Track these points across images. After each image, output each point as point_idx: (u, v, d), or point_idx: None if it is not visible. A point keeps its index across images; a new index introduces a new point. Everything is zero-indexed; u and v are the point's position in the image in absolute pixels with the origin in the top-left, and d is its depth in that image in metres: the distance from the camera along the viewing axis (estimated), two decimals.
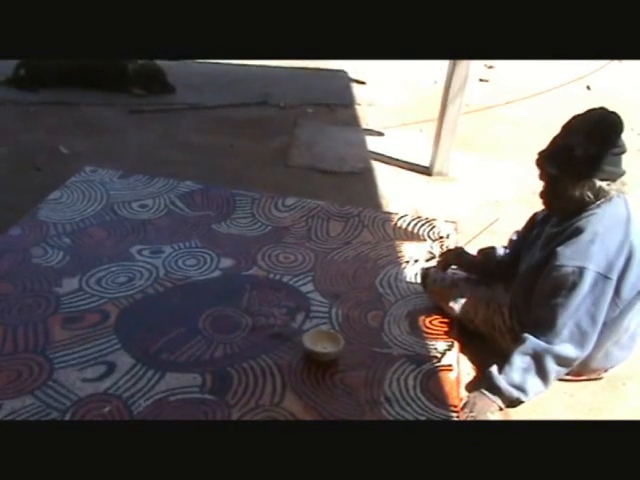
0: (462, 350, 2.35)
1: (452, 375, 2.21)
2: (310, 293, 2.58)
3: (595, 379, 2.26)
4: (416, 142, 4.11)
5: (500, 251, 2.52)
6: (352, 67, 5.42)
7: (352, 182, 3.59)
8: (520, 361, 2.08)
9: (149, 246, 2.80)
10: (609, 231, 2.03)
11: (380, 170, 3.75)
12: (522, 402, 2.10)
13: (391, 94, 5.01)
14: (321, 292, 2.59)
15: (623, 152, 2.03)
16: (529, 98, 5.09)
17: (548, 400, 2.15)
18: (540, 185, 2.16)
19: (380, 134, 4.23)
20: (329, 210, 3.21)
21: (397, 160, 3.85)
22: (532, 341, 2.08)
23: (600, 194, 2.04)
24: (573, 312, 2.03)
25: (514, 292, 2.30)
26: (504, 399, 2.08)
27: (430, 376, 2.20)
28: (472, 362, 2.31)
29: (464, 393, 2.15)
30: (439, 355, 2.30)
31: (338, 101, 4.74)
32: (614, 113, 2.03)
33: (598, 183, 2.02)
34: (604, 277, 2.01)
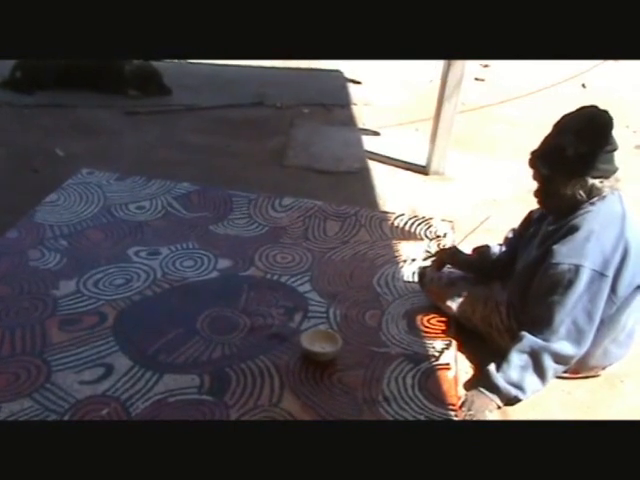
0: (460, 349, 2.35)
1: (450, 374, 2.21)
2: (308, 293, 2.59)
3: (593, 377, 2.27)
4: (412, 141, 4.12)
5: (495, 249, 2.53)
6: (348, 67, 5.43)
7: (349, 182, 3.59)
8: (518, 359, 2.08)
9: (146, 248, 2.80)
10: (604, 228, 2.04)
11: (377, 170, 3.75)
12: (520, 400, 2.10)
13: (387, 94, 5.02)
14: (319, 292, 2.59)
15: (615, 149, 2.04)
16: (525, 97, 5.10)
17: (546, 398, 2.16)
18: (535, 184, 2.16)
19: (376, 134, 4.24)
20: (326, 210, 3.21)
21: (394, 159, 3.85)
22: (529, 339, 2.08)
23: (593, 192, 2.05)
24: (570, 310, 2.04)
25: (511, 290, 2.31)
26: (502, 397, 2.09)
27: (428, 375, 2.20)
28: (470, 360, 2.32)
29: (462, 392, 2.16)
30: (437, 354, 2.30)
31: (334, 101, 4.75)
32: (604, 111, 2.04)
33: (590, 181, 2.03)
34: (600, 274, 2.02)
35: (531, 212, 2.46)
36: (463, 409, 2.07)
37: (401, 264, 2.82)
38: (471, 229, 3.09)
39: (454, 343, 2.36)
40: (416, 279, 2.63)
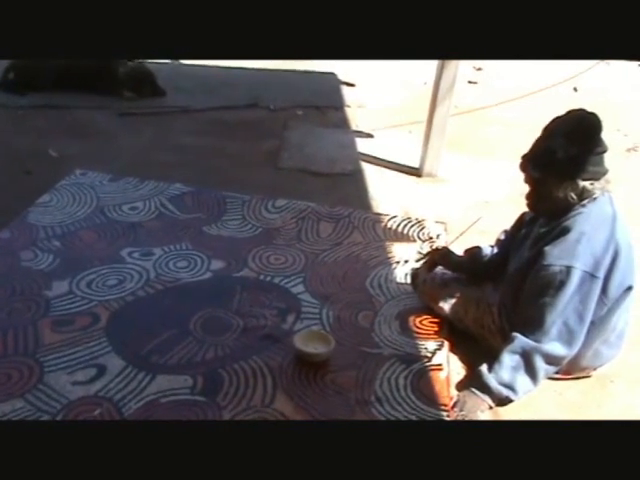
0: (452, 349, 2.36)
1: (442, 374, 2.22)
2: (301, 294, 2.59)
3: (584, 377, 2.28)
4: (406, 143, 4.13)
5: (486, 250, 2.54)
6: (341, 69, 5.44)
7: (342, 184, 3.60)
8: (509, 360, 2.09)
9: (140, 248, 2.80)
10: (595, 230, 2.05)
11: (370, 171, 3.76)
12: (512, 401, 2.11)
13: (380, 96, 5.03)
14: (312, 293, 2.60)
15: (604, 151, 2.05)
16: (518, 100, 5.12)
17: (538, 399, 2.17)
18: (527, 187, 2.18)
19: (370, 136, 4.25)
20: (319, 211, 3.22)
21: (387, 161, 3.87)
22: (521, 340, 2.09)
23: (584, 194, 2.06)
24: (561, 311, 2.05)
25: (503, 291, 2.32)
26: (494, 398, 2.10)
27: (420, 376, 2.21)
28: (462, 361, 2.32)
29: (454, 392, 2.16)
30: (429, 355, 2.31)
31: (328, 103, 4.76)
32: (592, 114, 2.05)
33: (581, 183, 2.04)
34: (591, 276, 2.03)
35: (523, 214, 2.47)
36: (455, 409, 2.08)
37: (394, 265, 2.83)
38: (467, 231, 3.11)
39: (446, 344, 2.37)
40: (409, 280, 2.64)
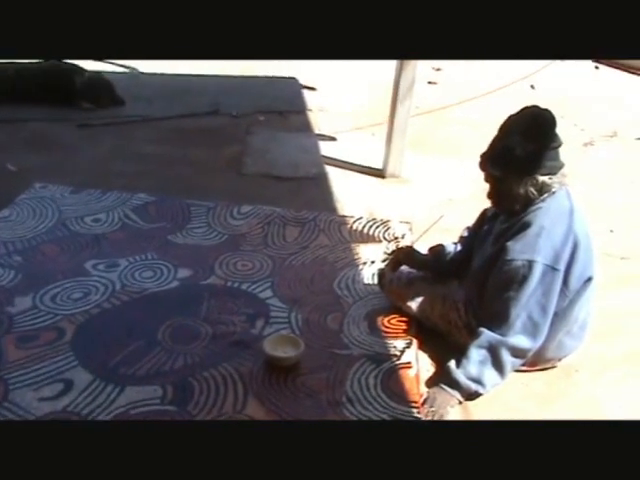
0: (421, 347, 2.38)
1: (412, 372, 2.24)
2: (269, 299, 2.59)
3: (549, 368, 2.32)
4: (368, 145, 4.16)
5: (450, 248, 2.57)
6: (302, 74, 5.45)
7: (307, 187, 3.61)
8: (476, 355, 2.13)
9: (104, 260, 2.77)
10: (554, 224, 2.09)
11: (334, 174, 3.78)
12: (480, 394, 2.14)
13: (342, 99, 5.06)
14: (280, 297, 2.60)
15: (559, 145, 2.10)
16: (477, 99, 5.20)
17: (505, 391, 2.20)
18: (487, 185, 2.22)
19: (332, 139, 4.27)
20: (285, 216, 3.22)
21: (350, 164, 3.89)
22: (487, 334, 2.12)
23: (544, 188, 2.11)
24: (525, 304, 2.09)
25: (468, 287, 2.35)
26: (463, 392, 2.12)
27: (390, 374, 2.23)
28: (431, 358, 2.35)
29: (424, 389, 2.19)
30: (398, 353, 2.33)
31: (290, 108, 4.77)
32: (546, 110, 2.10)
33: (541, 178, 2.08)
34: (552, 269, 2.07)
35: (485, 210, 2.51)
36: (425, 406, 2.10)
37: (361, 266, 2.84)
38: (432, 230, 3.14)
39: (415, 342, 2.39)
40: (376, 281, 2.66)
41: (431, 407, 2.09)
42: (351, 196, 3.54)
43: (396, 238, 3.08)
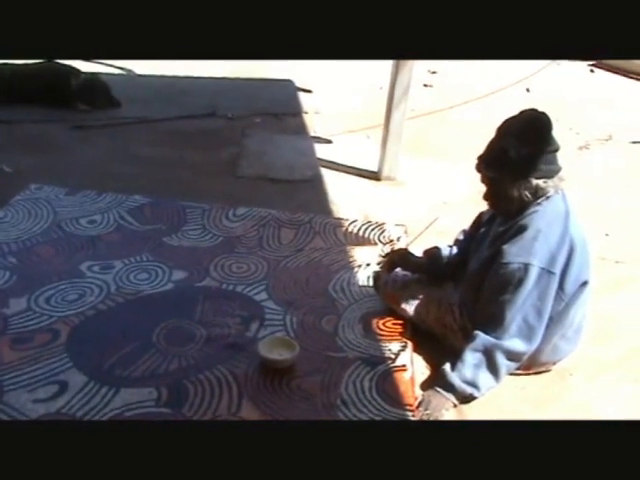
0: (416, 350, 2.38)
1: (407, 375, 2.24)
2: (264, 301, 2.59)
3: (544, 372, 2.33)
4: (364, 148, 4.17)
5: (445, 251, 2.57)
6: (298, 76, 5.46)
7: (302, 190, 3.61)
8: (471, 358, 2.13)
9: (99, 262, 2.76)
10: (550, 227, 2.10)
11: (329, 177, 3.78)
12: (475, 398, 2.15)
13: (337, 102, 5.06)
14: (275, 300, 2.60)
15: (556, 149, 2.10)
16: (472, 102, 5.21)
17: (500, 394, 2.20)
18: (484, 187, 2.22)
19: (328, 141, 4.28)
20: (280, 218, 3.22)
21: (346, 166, 3.90)
22: (482, 337, 2.13)
23: (538, 192, 2.11)
24: (520, 307, 2.09)
25: (464, 290, 2.35)
26: (458, 396, 2.13)
27: (385, 377, 2.23)
28: (426, 361, 2.35)
29: (419, 392, 2.19)
30: (393, 356, 2.33)
31: (285, 110, 4.77)
32: (543, 113, 2.10)
33: (535, 182, 2.09)
34: (548, 272, 2.08)
35: (481, 213, 2.51)
36: (420, 409, 2.10)
37: (356, 269, 2.85)
38: (426, 232, 3.15)
39: (410, 345, 2.39)
40: (371, 283, 2.66)
41: (426, 410, 2.09)
42: (346, 198, 3.54)
43: (391, 241, 3.09)
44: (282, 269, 2.82)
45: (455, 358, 2.16)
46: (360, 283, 2.74)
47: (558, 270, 2.10)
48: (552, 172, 2.11)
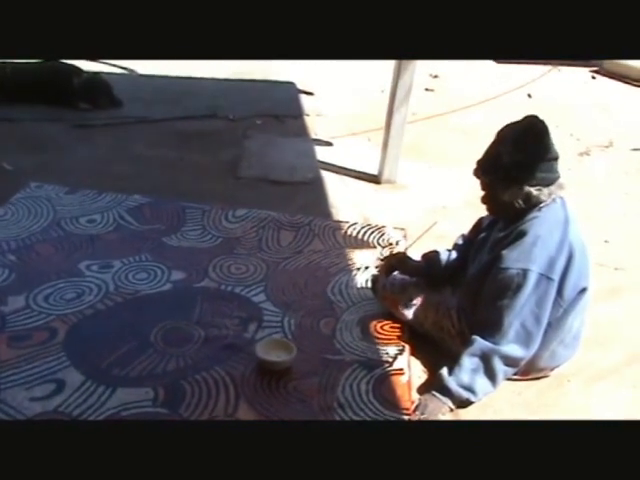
0: (413, 354, 2.38)
1: (404, 379, 2.25)
2: (262, 303, 2.59)
3: (542, 377, 2.33)
4: (364, 151, 4.17)
5: (444, 255, 2.57)
6: (300, 78, 5.47)
7: (302, 192, 3.61)
8: (469, 362, 2.13)
9: (98, 261, 2.76)
10: (550, 233, 2.10)
11: (330, 179, 3.78)
12: (472, 402, 2.15)
13: (339, 104, 5.07)
14: (273, 302, 2.60)
15: (554, 158, 2.10)
16: (474, 107, 5.22)
17: (497, 399, 2.20)
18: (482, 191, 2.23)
19: (329, 144, 4.28)
20: (280, 220, 3.22)
21: (346, 169, 3.90)
22: (480, 342, 2.13)
23: (532, 200, 2.10)
24: (518, 313, 2.09)
25: (462, 295, 2.35)
26: (454, 400, 2.13)
27: (382, 380, 2.23)
28: (423, 365, 2.35)
29: (416, 396, 2.19)
30: (390, 359, 2.33)
31: (287, 112, 4.77)
32: (541, 121, 2.10)
33: (527, 189, 2.08)
34: (547, 278, 2.08)
35: (481, 219, 2.51)
36: (417, 412, 2.10)
37: (354, 272, 2.85)
38: (426, 236, 3.15)
39: (407, 348, 2.39)
40: (369, 286, 2.66)
41: (422, 414, 2.09)
42: (346, 201, 3.54)
43: (390, 244, 3.09)
44: (281, 271, 2.82)
45: (452, 362, 2.16)
46: (358, 286, 2.74)
47: (557, 276, 2.10)
48: (547, 180, 2.10)
